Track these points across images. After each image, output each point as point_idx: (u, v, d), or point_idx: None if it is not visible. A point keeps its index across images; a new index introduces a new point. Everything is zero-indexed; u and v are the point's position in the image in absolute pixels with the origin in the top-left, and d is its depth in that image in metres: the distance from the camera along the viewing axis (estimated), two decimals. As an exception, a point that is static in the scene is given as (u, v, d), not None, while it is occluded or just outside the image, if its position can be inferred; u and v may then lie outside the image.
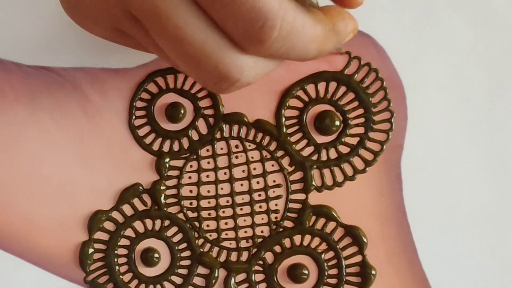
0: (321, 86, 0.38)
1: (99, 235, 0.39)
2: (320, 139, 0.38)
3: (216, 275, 0.39)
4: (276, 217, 0.39)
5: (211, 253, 0.39)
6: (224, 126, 0.39)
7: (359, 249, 0.38)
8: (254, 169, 0.39)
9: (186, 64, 0.29)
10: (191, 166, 0.39)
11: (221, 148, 0.39)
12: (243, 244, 0.39)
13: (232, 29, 0.28)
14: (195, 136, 0.39)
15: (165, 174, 0.39)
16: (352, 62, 0.38)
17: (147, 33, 0.29)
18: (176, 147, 0.39)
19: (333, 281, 0.38)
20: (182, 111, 0.38)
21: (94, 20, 0.31)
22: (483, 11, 0.38)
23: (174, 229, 0.39)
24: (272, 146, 0.39)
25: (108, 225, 0.39)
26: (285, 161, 0.38)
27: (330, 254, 0.38)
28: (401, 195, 0.38)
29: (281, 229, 0.39)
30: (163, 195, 0.39)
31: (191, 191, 0.39)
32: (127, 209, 0.39)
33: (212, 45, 0.28)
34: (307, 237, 0.38)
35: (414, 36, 0.38)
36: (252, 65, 0.29)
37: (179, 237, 0.39)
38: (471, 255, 0.38)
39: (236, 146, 0.39)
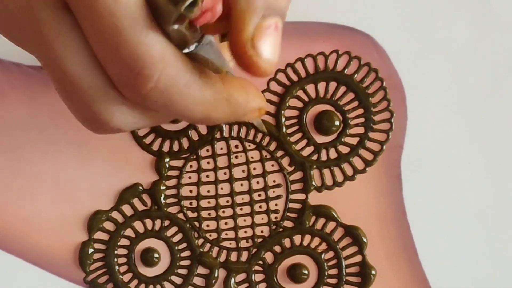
0: (321, 86, 0.38)
1: (99, 235, 0.39)
2: (320, 139, 0.38)
3: (216, 275, 0.39)
4: (276, 217, 0.39)
5: (211, 253, 0.39)
6: (224, 126, 0.39)
7: (359, 249, 0.38)
8: (254, 169, 0.39)
9: (61, 92, 0.28)
10: (191, 166, 0.39)
11: (221, 148, 0.39)
12: (243, 244, 0.39)
13: (111, 71, 0.27)
14: (195, 136, 0.39)
15: (165, 174, 0.39)
16: (352, 62, 0.38)
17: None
18: (176, 147, 0.39)
19: (333, 281, 0.38)
20: (182, 111, 0.38)
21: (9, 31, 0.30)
22: (483, 11, 0.38)
23: (174, 229, 0.39)
24: (272, 146, 0.39)
25: (108, 225, 0.39)
26: (285, 161, 0.38)
27: (330, 254, 0.38)
28: (401, 195, 0.38)
29: (281, 229, 0.39)
30: (163, 195, 0.39)
31: (191, 191, 0.39)
32: (127, 209, 0.39)
33: (90, 82, 0.27)
34: (307, 237, 0.38)
35: (414, 36, 0.38)
36: (126, 113, 0.28)
37: (179, 237, 0.39)
38: (471, 255, 0.38)
39: (236, 146, 0.39)
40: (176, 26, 0.25)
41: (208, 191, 0.39)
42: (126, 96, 0.27)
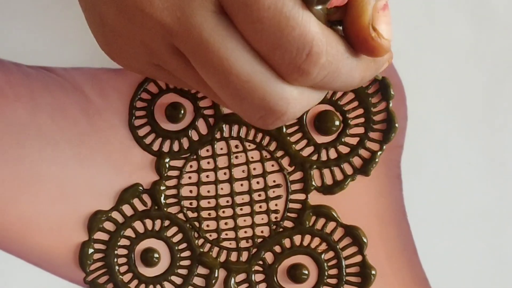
0: (321, 86, 0.38)
1: (99, 235, 0.39)
2: (320, 139, 0.38)
3: (216, 275, 0.39)
4: (276, 217, 0.39)
5: (211, 253, 0.39)
6: (224, 126, 0.39)
7: (359, 249, 0.38)
8: (254, 169, 0.39)
9: (232, 97, 0.29)
10: (191, 166, 0.39)
11: (221, 148, 0.39)
12: (243, 244, 0.39)
13: (278, 61, 0.27)
14: (195, 136, 0.39)
15: (165, 174, 0.39)
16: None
17: (188, 67, 0.29)
18: (176, 147, 0.39)
19: (333, 281, 0.38)
20: (182, 111, 0.38)
21: (130, 54, 0.31)
22: (483, 11, 0.38)
23: (174, 229, 0.39)
24: (272, 146, 0.39)
25: (108, 225, 0.39)
26: (285, 161, 0.38)
27: (330, 254, 0.38)
28: (401, 195, 0.38)
29: (281, 229, 0.39)
30: (163, 195, 0.39)
31: (191, 191, 0.39)
32: (127, 209, 0.39)
33: (258, 77, 0.28)
34: (307, 237, 0.38)
35: (414, 36, 0.38)
36: (298, 97, 0.29)
37: (179, 237, 0.39)
38: (471, 255, 0.38)
39: (236, 146, 0.39)
40: (319, 7, 0.27)
41: (208, 191, 0.39)
42: (296, 81, 0.28)
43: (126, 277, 0.39)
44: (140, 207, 0.39)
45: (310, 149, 0.38)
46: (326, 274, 0.38)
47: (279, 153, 0.39)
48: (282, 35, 0.27)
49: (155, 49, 0.29)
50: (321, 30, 0.27)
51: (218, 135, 0.39)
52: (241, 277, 0.39)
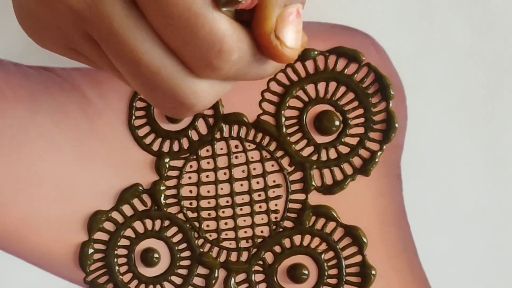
0: (321, 86, 0.38)
1: (99, 235, 0.39)
2: (320, 139, 0.38)
3: (216, 275, 0.39)
4: (276, 217, 0.39)
5: (211, 253, 0.39)
6: (223, 126, 0.39)
7: (359, 249, 0.38)
8: (254, 169, 0.39)
9: (142, 87, 0.29)
10: (191, 166, 0.39)
11: (221, 148, 0.39)
12: (243, 244, 0.39)
13: (189, 57, 0.27)
14: (195, 136, 0.39)
15: (165, 174, 0.39)
16: (352, 63, 0.38)
17: (101, 53, 0.29)
18: (176, 147, 0.39)
19: (333, 281, 0.38)
20: (182, 111, 0.38)
21: (49, 38, 0.31)
22: (482, 11, 0.38)
23: (174, 229, 0.39)
24: (272, 146, 0.39)
25: (108, 226, 0.39)
26: (285, 161, 0.38)
27: (330, 254, 0.38)
28: (401, 195, 0.38)
29: (281, 229, 0.39)
30: (163, 195, 0.39)
31: (191, 191, 0.39)
32: (127, 209, 0.39)
33: (168, 70, 0.28)
34: (307, 237, 0.38)
35: (414, 36, 0.38)
36: (208, 90, 0.29)
37: (179, 237, 0.39)
38: (471, 255, 0.38)
39: (236, 146, 0.39)
40: (226, 8, 0.27)
41: (208, 191, 0.39)
42: (207, 75, 0.28)
43: (126, 277, 0.39)
44: (140, 207, 0.39)
45: (310, 149, 0.38)
46: (326, 274, 0.38)
47: (279, 153, 0.39)
48: (192, 32, 0.27)
49: (69, 34, 0.29)
50: (232, 27, 0.27)
51: (218, 135, 0.39)
52: (241, 277, 0.39)
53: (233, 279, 0.39)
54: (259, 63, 0.29)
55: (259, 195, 0.39)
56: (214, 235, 0.39)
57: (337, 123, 0.38)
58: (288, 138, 0.38)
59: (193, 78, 0.28)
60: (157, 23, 0.27)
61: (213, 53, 0.27)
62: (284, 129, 0.38)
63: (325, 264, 0.38)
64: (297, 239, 0.38)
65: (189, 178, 0.39)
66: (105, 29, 0.27)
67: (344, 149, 0.38)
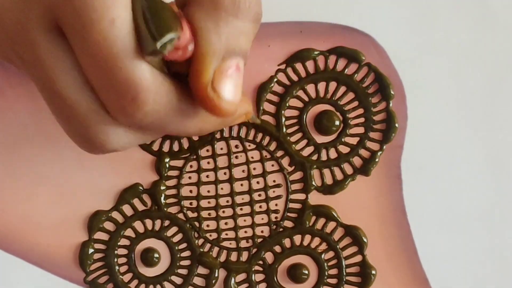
0: (321, 86, 0.38)
1: (99, 235, 0.39)
2: (320, 139, 0.38)
3: (216, 275, 0.39)
4: (276, 217, 0.39)
5: (211, 253, 0.39)
6: (224, 126, 0.39)
7: (359, 249, 0.38)
8: (254, 169, 0.39)
9: (56, 114, 0.29)
10: (191, 166, 0.39)
11: (221, 148, 0.39)
12: (243, 244, 0.39)
13: (105, 97, 0.27)
14: (195, 136, 0.39)
15: (165, 174, 0.39)
16: (352, 63, 0.38)
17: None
18: (176, 147, 0.39)
19: (333, 281, 0.38)
20: (182, 111, 0.38)
21: None
22: (482, 11, 0.38)
23: (174, 229, 0.39)
24: (272, 146, 0.39)
25: (108, 225, 0.39)
26: (285, 161, 0.38)
27: (330, 254, 0.38)
28: (401, 195, 0.38)
29: (281, 229, 0.39)
30: (163, 195, 0.39)
31: (191, 191, 0.39)
32: (127, 209, 0.39)
33: (85, 107, 0.28)
34: (307, 237, 0.38)
35: (414, 36, 0.38)
36: (122, 135, 0.29)
37: (179, 237, 0.39)
38: (471, 255, 0.38)
39: (236, 146, 0.39)
40: (150, 58, 0.26)
41: (208, 191, 0.39)
42: (120, 121, 0.28)
43: (126, 277, 0.39)
44: (140, 207, 0.39)
45: (310, 149, 0.38)
46: (326, 274, 0.38)
47: (279, 153, 0.39)
48: (110, 75, 0.26)
49: (5, 49, 0.30)
50: (152, 79, 0.27)
51: (218, 135, 0.39)
52: (241, 277, 0.39)
53: (233, 279, 0.39)
54: (179, 120, 0.29)
55: (259, 195, 0.39)
56: (214, 235, 0.39)
57: (337, 123, 0.38)
58: (288, 138, 0.38)
59: (109, 120, 0.28)
60: (81, 58, 0.27)
61: (127, 100, 0.27)
62: (284, 129, 0.38)
63: (325, 264, 0.38)
64: (297, 239, 0.38)
65: (189, 178, 0.39)
66: (30, 54, 0.28)
67: (344, 149, 0.38)
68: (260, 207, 0.39)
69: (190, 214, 0.39)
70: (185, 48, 0.27)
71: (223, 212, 0.39)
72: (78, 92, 0.28)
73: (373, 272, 0.38)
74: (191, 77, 0.28)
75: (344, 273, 0.38)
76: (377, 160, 0.38)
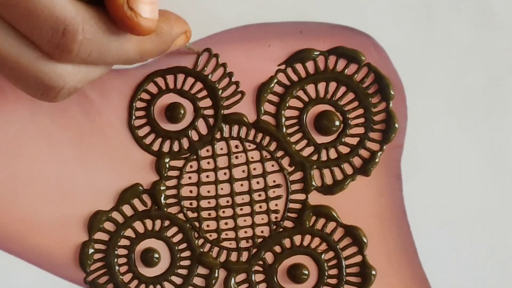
0: (321, 86, 0.38)
1: (99, 235, 0.39)
2: (320, 139, 0.38)
3: (216, 275, 0.39)
4: (276, 217, 0.39)
5: (211, 253, 0.39)
6: (224, 126, 0.39)
7: (359, 249, 0.38)
8: (254, 169, 0.39)
9: (8, 77, 0.30)
10: (191, 167, 0.39)
11: (221, 149, 0.39)
12: (243, 244, 0.39)
13: (38, 41, 0.28)
14: (195, 136, 0.39)
15: (165, 175, 0.39)
16: (352, 63, 0.38)
17: None
18: (176, 147, 0.39)
19: (333, 281, 0.38)
20: (182, 112, 0.38)
21: None
22: (483, 11, 0.38)
23: (174, 229, 0.39)
24: (272, 146, 0.38)
25: (108, 226, 0.39)
26: (285, 161, 0.38)
27: (330, 254, 0.38)
28: (401, 195, 0.38)
29: (281, 229, 0.39)
30: (163, 195, 0.39)
31: (191, 191, 0.39)
32: (127, 209, 0.39)
33: (27, 58, 0.29)
34: (307, 237, 0.38)
35: (414, 36, 0.38)
36: (74, 71, 0.30)
37: (179, 237, 0.39)
38: (471, 255, 0.38)
39: (236, 146, 0.39)
40: None
41: (208, 191, 0.39)
42: (61, 58, 0.29)
43: (126, 277, 0.39)
44: (140, 207, 0.39)
45: (310, 149, 0.38)
46: (326, 274, 0.38)
47: (279, 153, 0.39)
48: (34, 16, 0.27)
49: None
50: (75, 9, 0.28)
51: (218, 135, 0.39)
52: (241, 277, 0.39)
53: (233, 279, 0.39)
54: (117, 44, 0.30)
55: (259, 195, 0.39)
56: (214, 235, 0.39)
57: (337, 123, 0.38)
58: (288, 138, 0.38)
59: (53, 62, 0.29)
60: (4, 12, 0.28)
61: (58, 36, 0.28)
62: (284, 129, 0.38)
63: (325, 264, 0.38)
64: (297, 239, 0.38)
65: (189, 178, 0.39)
66: None
67: (344, 149, 0.38)
68: (260, 207, 0.39)
69: (190, 214, 0.39)
70: None
71: (223, 212, 0.39)
72: (16, 45, 0.29)
73: (373, 272, 0.38)
74: (106, 0, 0.29)
75: (344, 273, 0.38)
76: (377, 160, 0.38)
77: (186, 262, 0.39)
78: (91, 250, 0.39)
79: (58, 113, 0.39)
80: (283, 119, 0.38)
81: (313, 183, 0.38)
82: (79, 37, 0.28)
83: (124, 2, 0.28)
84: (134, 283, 0.39)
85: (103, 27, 0.29)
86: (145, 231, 0.39)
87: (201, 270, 0.39)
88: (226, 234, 0.39)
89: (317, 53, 0.38)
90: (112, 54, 0.30)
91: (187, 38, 0.35)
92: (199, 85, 0.39)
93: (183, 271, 0.39)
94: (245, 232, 0.39)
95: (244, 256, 0.39)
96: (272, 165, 0.38)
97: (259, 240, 0.39)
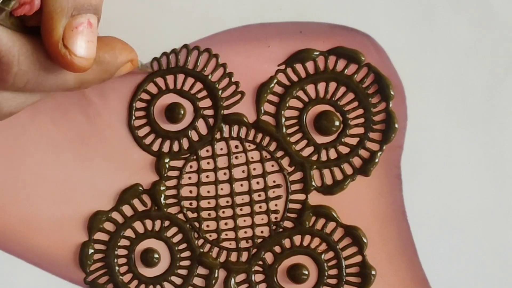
0: (321, 86, 0.38)
1: (99, 235, 0.39)
2: (320, 139, 0.38)
3: (216, 275, 0.39)
4: (276, 218, 0.39)
5: (211, 253, 0.39)
6: (224, 126, 0.38)
7: (359, 249, 0.38)
8: (254, 169, 0.39)
9: None
10: (191, 167, 0.39)
11: (221, 149, 0.39)
12: (243, 244, 0.39)
13: None
14: (195, 137, 0.39)
15: (165, 175, 0.39)
16: (352, 63, 0.38)
17: None
18: (176, 147, 0.39)
19: (333, 281, 0.38)
20: (182, 112, 0.38)
21: None
22: (483, 11, 0.38)
23: (174, 229, 0.39)
24: (272, 147, 0.38)
25: (108, 226, 0.39)
26: (285, 162, 0.38)
27: (330, 254, 0.38)
28: (401, 195, 0.38)
29: (281, 230, 0.39)
30: (163, 195, 0.39)
31: (191, 192, 0.39)
32: (127, 209, 0.39)
33: None
34: (307, 238, 0.38)
35: (414, 36, 0.38)
36: (10, 97, 0.30)
37: (179, 237, 0.39)
38: (471, 255, 0.38)
39: (236, 147, 0.39)
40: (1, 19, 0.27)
41: (208, 192, 0.39)
42: None
43: (126, 278, 0.39)
44: (140, 207, 0.39)
45: (310, 149, 0.38)
46: (326, 274, 0.38)
47: (279, 154, 0.38)
48: None
49: None
50: (12, 41, 0.28)
51: (218, 136, 0.39)
52: (241, 277, 0.39)
53: (233, 279, 0.39)
54: (54, 75, 0.30)
55: (259, 195, 0.39)
56: (214, 235, 0.39)
57: (337, 123, 0.38)
58: (288, 138, 0.38)
59: None
60: None
61: None
62: (284, 129, 0.38)
63: (325, 264, 0.38)
64: (297, 239, 0.38)
65: (189, 178, 0.39)
66: None
67: (344, 149, 0.38)
68: (260, 207, 0.39)
69: (190, 215, 0.39)
70: (32, 2, 0.28)
71: (223, 212, 0.39)
72: None
73: (373, 272, 0.38)
74: (42, 36, 0.29)
75: (344, 274, 0.38)
76: (377, 160, 0.38)
77: (186, 262, 0.39)
78: (91, 250, 0.39)
79: (58, 114, 0.39)
80: (283, 119, 0.38)
81: (313, 183, 0.38)
82: (14, 69, 0.28)
83: (59, 40, 0.28)
84: (134, 283, 0.39)
85: (40, 58, 0.29)
86: (145, 231, 0.39)
87: (201, 270, 0.39)
88: (226, 234, 0.39)
89: (317, 53, 0.38)
90: (49, 84, 0.30)
91: (133, 66, 0.35)
92: (199, 85, 0.39)
93: (183, 271, 0.39)
94: (245, 232, 0.39)
95: (244, 256, 0.39)
96: (272, 165, 0.38)
97: (259, 240, 0.39)
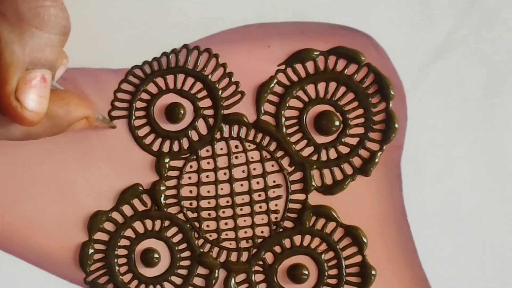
0: (321, 86, 0.38)
1: (99, 235, 0.39)
2: (320, 139, 0.38)
3: (216, 275, 0.39)
4: (276, 218, 0.39)
5: (211, 253, 0.39)
6: (224, 126, 0.39)
7: (359, 249, 0.38)
8: (254, 169, 0.39)
9: None
10: (191, 167, 0.39)
11: (221, 149, 0.39)
12: (243, 244, 0.39)
13: None
14: (195, 137, 0.39)
15: (165, 175, 0.39)
16: (352, 63, 0.38)
17: None
18: (176, 147, 0.39)
19: (333, 281, 0.38)
20: (182, 112, 0.38)
21: None
22: (483, 11, 0.38)
23: (174, 229, 0.39)
24: (272, 147, 0.38)
25: (108, 226, 0.39)
26: (285, 161, 0.38)
27: (330, 254, 0.38)
28: (401, 195, 0.38)
29: (281, 230, 0.39)
30: (163, 195, 0.39)
31: (191, 192, 0.39)
32: (127, 209, 0.39)
33: None
34: (307, 238, 0.38)
35: (414, 36, 0.38)
36: None
37: (179, 237, 0.39)
38: (471, 255, 0.38)
39: (236, 147, 0.39)
40: None
41: (208, 192, 0.39)
42: None
43: (126, 277, 0.39)
44: (140, 207, 0.39)
45: (310, 149, 0.38)
46: (326, 274, 0.38)
47: (279, 153, 0.38)
48: None
49: None
50: None
51: (218, 135, 0.39)
52: (241, 277, 0.39)
53: (233, 279, 0.39)
54: (3, 126, 0.30)
55: (259, 195, 0.39)
56: (214, 235, 0.39)
57: (337, 123, 0.38)
58: (288, 138, 0.38)
59: None
60: None
61: None
62: (284, 129, 0.38)
63: (325, 264, 0.38)
64: (297, 239, 0.38)
65: (189, 178, 0.39)
66: None
67: (344, 149, 0.38)
68: (260, 207, 0.39)
69: (190, 215, 0.39)
70: None
71: (223, 212, 0.39)
72: None
73: (373, 272, 0.38)
74: None
75: (344, 274, 0.38)
76: (377, 160, 0.38)
77: (186, 262, 0.39)
78: (91, 250, 0.39)
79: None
80: (283, 119, 0.38)
81: (313, 183, 0.38)
82: None
83: (12, 93, 0.29)
84: (134, 283, 0.39)
85: None
86: (145, 231, 0.39)
87: (201, 270, 0.39)
88: (226, 234, 0.39)
89: (317, 53, 0.38)
90: None
91: (89, 122, 0.35)
92: (199, 85, 0.39)
93: (183, 271, 0.39)
94: (245, 232, 0.39)
95: (244, 256, 0.39)
96: (272, 165, 0.38)
97: (259, 240, 0.39)
